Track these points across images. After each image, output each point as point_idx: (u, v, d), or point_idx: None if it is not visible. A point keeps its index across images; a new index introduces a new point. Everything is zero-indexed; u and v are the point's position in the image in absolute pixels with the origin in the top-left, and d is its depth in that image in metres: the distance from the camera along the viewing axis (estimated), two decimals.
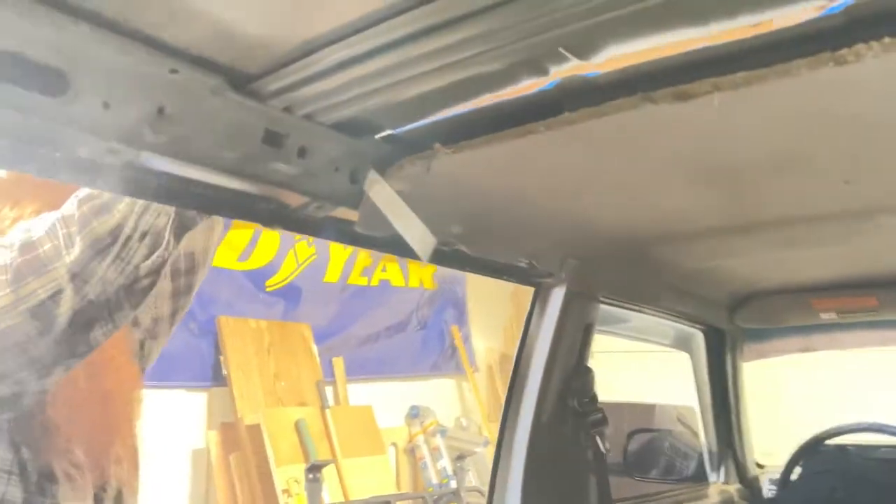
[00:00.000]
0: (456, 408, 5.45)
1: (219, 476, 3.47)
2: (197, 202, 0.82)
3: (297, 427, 3.69)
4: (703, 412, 2.28)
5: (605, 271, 1.43)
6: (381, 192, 0.94)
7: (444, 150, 0.87)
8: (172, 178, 0.78)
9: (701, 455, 2.34)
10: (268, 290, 4.12)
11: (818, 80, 0.68)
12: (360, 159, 0.91)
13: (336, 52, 0.70)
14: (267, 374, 3.85)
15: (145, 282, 0.97)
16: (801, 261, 1.66)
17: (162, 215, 0.94)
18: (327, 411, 3.97)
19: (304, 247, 4.33)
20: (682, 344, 2.15)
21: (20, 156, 0.68)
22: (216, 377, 3.75)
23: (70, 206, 0.93)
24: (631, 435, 2.20)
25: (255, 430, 3.52)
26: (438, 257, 1.15)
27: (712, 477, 2.31)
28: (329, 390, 4.27)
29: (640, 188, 1.08)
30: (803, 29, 0.62)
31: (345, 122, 0.85)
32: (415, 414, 4.97)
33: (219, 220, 1.27)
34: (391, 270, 4.99)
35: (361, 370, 4.64)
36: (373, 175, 0.93)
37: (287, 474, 3.43)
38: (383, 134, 0.90)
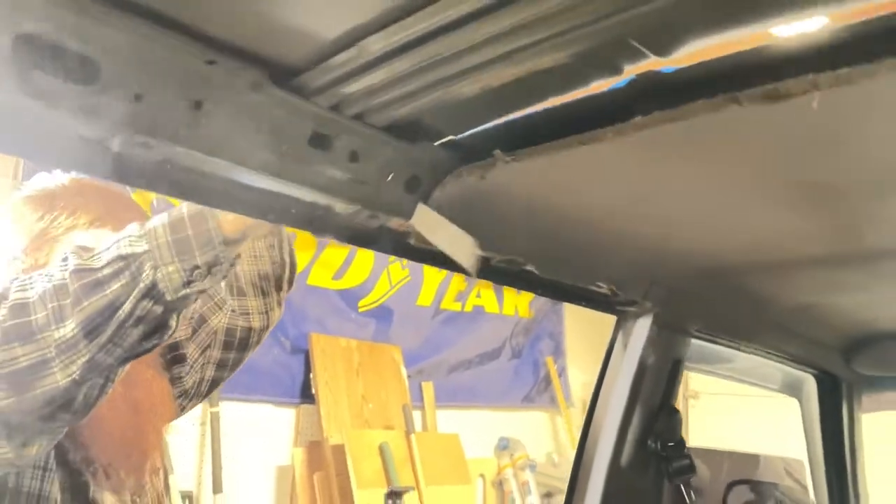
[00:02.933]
0: (548, 443, 5.27)
1: (302, 493, 3.48)
2: (237, 205, 0.78)
3: (381, 450, 3.65)
4: (813, 466, 2.06)
5: (697, 302, 1.30)
6: (431, 216, 0.87)
7: (504, 157, 0.79)
8: (210, 177, 0.74)
9: None
10: (360, 310, 4.14)
11: None
12: (416, 166, 0.85)
13: (385, 39, 0.64)
14: (355, 394, 3.85)
15: (143, 349, 0.91)
16: None
17: (158, 303, 0.87)
18: (412, 436, 3.91)
19: (398, 268, 4.33)
20: (791, 389, 1.95)
21: (49, 147, 0.66)
22: (305, 394, 3.78)
23: (60, 274, 0.86)
24: (730, 486, 2.01)
25: (339, 450, 3.51)
26: (506, 277, 1.07)
27: None
28: (417, 416, 4.22)
29: (724, 207, 0.96)
30: None
31: (399, 125, 0.79)
32: (504, 446, 4.84)
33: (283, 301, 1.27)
34: (485, 297, 4.91)
35: (451, 397, 4.56)
36: (429, 183, 0.87)
37: (368, 498, 3.39)
38: (442, 141, 0.84)
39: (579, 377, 5.55)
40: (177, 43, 0.64)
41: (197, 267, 0.86)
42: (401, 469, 3.66)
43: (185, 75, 0.66)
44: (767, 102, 0.60)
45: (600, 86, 0.72)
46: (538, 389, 5.24)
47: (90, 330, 0.83)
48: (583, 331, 5.60)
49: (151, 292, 0.85)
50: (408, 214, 0.87)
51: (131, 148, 0.67)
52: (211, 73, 0.67)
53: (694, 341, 1.37)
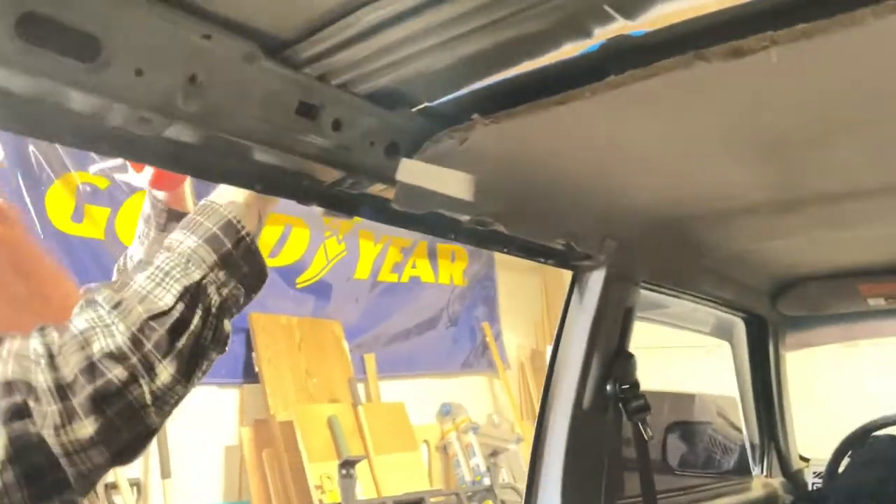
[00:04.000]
0: (488, 405, 5.41)
1: (252, 472, 3.48)
2: (228, 176, 0.80)
3: (330, 424, 3.69)
4: (744, 404, 2.23)
5: (646, 254, 1.39)
6: (417, 166, 0.91)
7: (482, 121, 0.84)
8: (203, 149, 0.76)
9: (743, 448, 2.28)
10: (298, 286, 4.13)
11: (886, 31, 0.63)
12: (396, 133, 0.88)
13: (371, 13, 0.67)
14: (299, 371, 3.86)
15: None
16: (849, 242, 1.60)
17: (229, 320, 0.85)
18: (359, 408, 3.96)
19: (334, 243, 4.33)
20: (723, 332, 2.09)
21: (51, 124, 0.66)
22: (248, 374, 3.77)
23: (121, 322, 0.80)
24: (670, 428, 2.15)
25: (287, 426, 3.53)
26: (475, 237, 1.12)
27: (755, 470, 2.25)
28: (360, 388, 4.27)
29: (684, 161, 1.04)
30: None
31: (380, 93, 0.82)
32: (446, 411, 4.95)
33: None
34: (421, 267, 4.97)
35: (393, 367, 4.63)
36: (408, 149, 0.91)
37: (320, 470, 3.43)
38: (420, 107, 0.88)
39: (514, 340, 5.71)
40: (174, 17, 0.66)
41: (245, 275, 0.87)
42: (350, 440, 3.71)
43: (182, 50, 0.68)
44: (731, 58, 0.67)
45: (572, 50, 0.77)
46: (476, 354, 5.37)
47: (185, 371, 0.81)
48: (515, 296, 5.76)
49: (223, 314, 0.85)
50: (389, 180, 0.91)
51: (132, 123, 0.68)
52: (206, 47, 0.69)
53: (642, 291, 1.46)
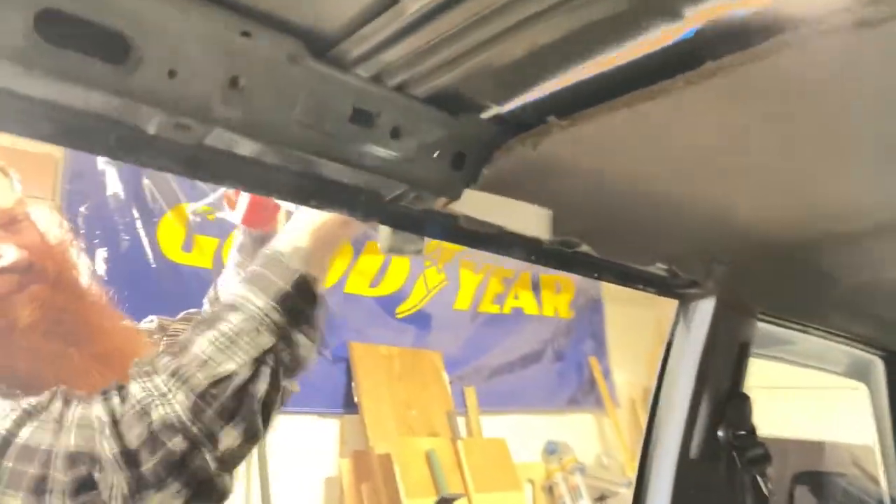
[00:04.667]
0: (596, 445, 5.16)
1: None
2: (279, 189, 0.74)
3: (428, 458, 3.60)
4: (883, 453, 1.96)
5: (763, 281, 1.23)
6: (486, 181, 0.82)
7: (558, 123, 0.74)
8: (248, 160, 0.70)
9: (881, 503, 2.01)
10: (398, 316, 4.10)
11: None
12: (462, 141, 0.80)
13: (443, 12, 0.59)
14: (398, 401, 3.80)
15: None
16: None
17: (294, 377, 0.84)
18: (459, 443, 3.85)
19: (434, 273, 4.29)
20: (858, 373, 1.85)
21: (83, 133, 0.62)
22: (348, 404, 3.75)
23: (182, 394, 0.77)
24: (797, 478, 1.92)
25: (385, 459, 3.47)
26: (558, 260, 1.01)
27: None
28: (461, 421, 4.16)
29: (805, 170, 0.89)
30: None
31: (443, 96, 0.74)
32: (552, 450, 4.75)
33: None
34: (524, 298, 4.84)
35: (494, 402, 4.49)
36: (476, 159, 0.81)
37: None
38: (489, 112, 0.79)
39: (624, 377, 5.43)
40: (209, 12, 0.60)
41: (312, 329, 0.85)
42: (449, 476, 3.60)
43: (220, 49, 0.62)
44: (862, 28, 0.53)
45: (662, 38, 0.66)
46: (583, 391, 5.14)
47: (251, 433, 0.79)
48: (625, 330, 5.49)
49: (289, 374, 0.84)
50: (455, 193, 0.82)
51: (168, 130, 0.63)
52: (246, 46, 0.63)
53: (759, 324, 1.29)
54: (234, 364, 0.77)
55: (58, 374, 0.92)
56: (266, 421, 0.81)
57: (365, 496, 3.42)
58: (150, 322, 1.20)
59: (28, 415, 0.80)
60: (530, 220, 0.76)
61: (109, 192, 3.10)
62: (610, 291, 5.47)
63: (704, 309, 1.20)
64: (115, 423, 0.76)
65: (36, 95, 0.58)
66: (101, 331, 1.02)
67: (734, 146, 0.80)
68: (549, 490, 4.64)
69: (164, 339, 1.15)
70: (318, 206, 0.79)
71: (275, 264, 0.85)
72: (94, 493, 0.75)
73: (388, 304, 4.04)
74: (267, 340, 0.80)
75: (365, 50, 0.66)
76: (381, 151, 0.75)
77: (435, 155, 0.79)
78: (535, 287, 4.91)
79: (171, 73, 0.61)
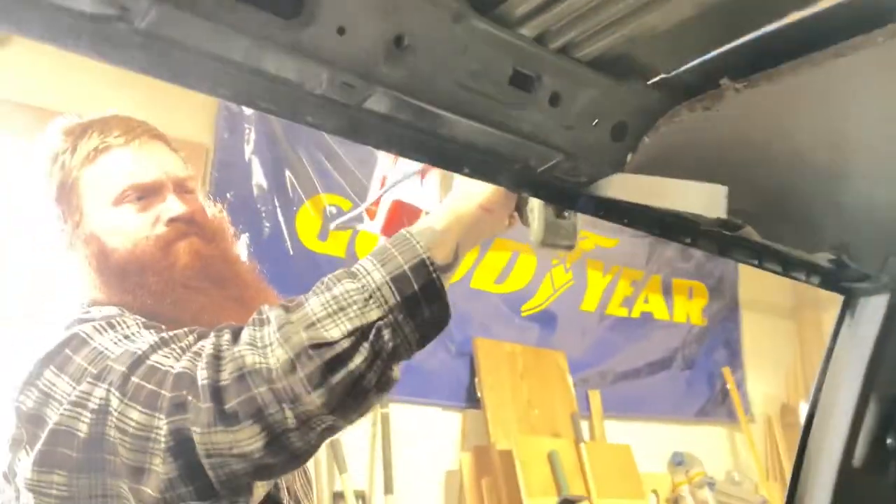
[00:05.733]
0: (726, 460, 4.90)
1: (470, 498, 3.44)
2: (435, 155, 0.73)
3: (550, 458, 3.54)
4: None
5: None
6: (646, 152, 0.78)
7: (733, 85, 0.69)
8: (404, 123, 0.70)
9: None
10: (523, 314, 4.06)
11: None
12: (624, 110, 0.76)
13: None
14: (520, 399, 3.77)
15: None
16: None
17: (398, 365, 0.82)
18: (582, 445, 3.77)
19: (561, 272, 4.22)
20: None
21: (250, 90, 0.63)
22: (470, 399, 3.76)
23: (281, 349, 0.78)
24: None
25: (507, 456, 3.45)
26: (716, 243, 0.96)
27: None
28: (584, 425, 4.07)
29: None
30: None
31: (607, 60, 0.71)
32: (679, 462, 4.55)
33: None
34: (654, 302, 4.67)
35: (619, 407, 4.36)
36: (639, 129, 0.78)
37: None
38: (655, 78, 0.75)
39: (760, 390, 5.13)
40: None
41: (425, 320, 0.81)
42: (571, 478, 3.53)
43: (387, 6, 0.62)
44: None
45: None
46: (714, 402, 4.89)
47: (336, 407, 0.78)
48: (762, 341, 5.19)
49: (393, 359, 0.81)
50: (615, 166, 0.79)
51: (334, 89, 0.64)
52: (413, 4, 0.62)
53: None
54: (339, 332, 0.77)
55: (199, 307, 1.03)
56: (356, 398, 0.79)
57: (485, 491, 3.42)
58: None
59: (164, 342, 0.88)
60: (702, 198, 0.71)
61: (254, 181, 3.27)
62: (747, 300, 5.18)
63: (876, 306, 1.09)
64: (216, 357, 0.80)
65: (209, 49, 0.59)
66: (242, 279, 1.12)
67: None
68: (675, 502, 4.45)
69: None
70: (470, 174, 0.77)
71: (403, 242, 0.84)
72: (185, 416, 0.79)
73: (514, 301, 4.02)
74: (374, 315, 0.79)
75: (530, 8, 0.64)
76: (538, 117, 0.73)
77: (594, 123, 0.76)
78: (667, 291, 4.72)
79: (341, 31, 0.61)
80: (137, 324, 0.94)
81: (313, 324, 0.78)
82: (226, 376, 0.79)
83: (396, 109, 0.68)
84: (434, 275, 0.81)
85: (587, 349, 4.32)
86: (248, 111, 3.15)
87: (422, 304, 0.80)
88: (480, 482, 3.44)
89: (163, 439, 0.79)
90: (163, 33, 0.57)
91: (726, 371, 4.94)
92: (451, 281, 0.96)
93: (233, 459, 0.78)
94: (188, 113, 3.01)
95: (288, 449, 0.80)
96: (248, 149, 3.26)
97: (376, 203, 1.24)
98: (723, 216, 0.65)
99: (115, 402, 0.82)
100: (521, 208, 0.91)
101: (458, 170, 0.77)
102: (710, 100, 0.71)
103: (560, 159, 0.78)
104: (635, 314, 4.57)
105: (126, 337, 0.90)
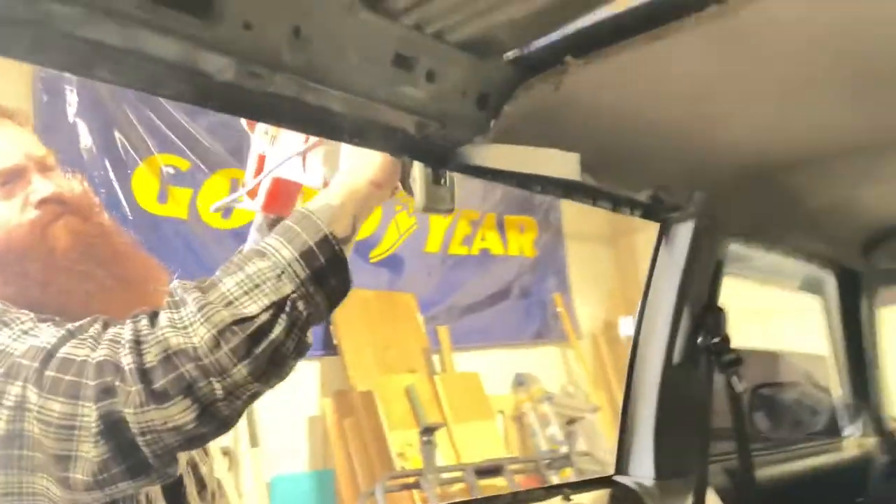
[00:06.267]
0: (561, 375, 5.41)
1: (335, 441, 3.59)
2: (323, 129, 0.83)
3: (408, 393, 3.76)
4: (835, 362, 2.16)
5: (736, 205, 1.36)
6: (507, 118, 0.92)
7: (575, 62, 0.84)
8: (301, 103, 0.78)
9: (834, 407, 2.22)
10: (372, 260, 4.20)
11: None
12: (488, 82, 0.89)
13: None
14: (376, 342, 3.94)
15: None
16: None
17: (310, 330, 0.89)
18: (436, 378, 4.02)
19: (405, 217, 4.38)
20: (813, 287, 2.03)
21: (163, 81, 0.69)
22: (327, 346, 3.87)
23: (203, 326, 0.83)
24: (756, 390, 2.10)
25: (367, 396, 3.61)
26: (561, 188, 1.12)
27: (847, 431, 2.19)
28: (435, 359, 4.32)
29: (781, 102, 1.01)
30: None
31: (472, 41, 0.82)
32: (520, 382, 4.97)
33: None
34: (490, 239, 4.98)
35: (466, 339, 4.67)
36: (500, 98, 0.91)
37: (401, 438, 3.51)
38: (511, 54, 0.88)
39: (586, 311, 5.67)
40: None
41: (333, 288, 0.89)
42: (428, 409, 3.77)
43: (285, 2, 0.69)
44: None
45: None
46: (547, 325, 5.36)
47: (261, 375, 0.84)
48: (586, 267, 5.70)
49: (307, 326, 0.87)
50: (481, 131, 0.92)
51: (242, 78, 0.71)
52: None
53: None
54: (256, 307, 0.84)
55: (86, 295, 1.02)
56: (278, 365, 0.86)
57: (348, 431, 3.57)
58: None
59: (70, 334, 0.89)
60: (558, 163, 0.85)
61: (82, 144, 3.09)
62: (570, 231, 5.65)
63: (684, 232, 1.33)
64: (137, 342, 0.84)
65: (128, 46, 0.64)
66: (125, 256, 1.11)
67: (723, 84, 0.91)
68: (519, 419, 4.88)
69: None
70: (360, 144, 0.87)
71: (305, 220, 0.90)
72: (114, 401, 0.83)
73: (362, 248, 4.13)
74: (287, 289, 0.85)
75: (410, 2, 0.74)
76: (417, 93, 0.83)
77: (463, 95, 0.88)
78: (501, 228, 5.05)
79: (246, 25, 0.68)
80: (32, 319, 0.93)
81: (231, 302, 0.84)
82: (150, 358, 0.83)
83: (297, 92, 0.76)
84: (337, 248, 0.90)
85: (434, 288, 4.55)
86: None
87: (328, 274, 0.89)
88: (343, 424, 3.59)
89: (93, 425, 0.82)
90: (86, 35, 0.61)
91: (557, 297, 5.40)
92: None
93: (167, 434, 0.83)
94: (1, 79, 2.77)
95: (217, 417, 0.85)
96: (71, 111, 3.06)
97: (258, 184, 1.28)
98: (577, 178, 0.80)
99: (33, 397, 0.84)
100: (404, 180, 1.00)
101: (351, 141, 0.86)
102: (557, 74, 0.85)
103: (436, 126, 0.89)
104: (475, 251, 4.85)
105: (25, 332, 0.91)
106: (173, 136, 3.30)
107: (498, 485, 3.65)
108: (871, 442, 2.15)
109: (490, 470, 3.46)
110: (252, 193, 1.27)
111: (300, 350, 0.89)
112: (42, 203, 1.02)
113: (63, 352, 0.87)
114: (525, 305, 5.23)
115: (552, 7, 0.77)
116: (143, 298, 1.01)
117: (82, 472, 0.84)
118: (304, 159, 1.13)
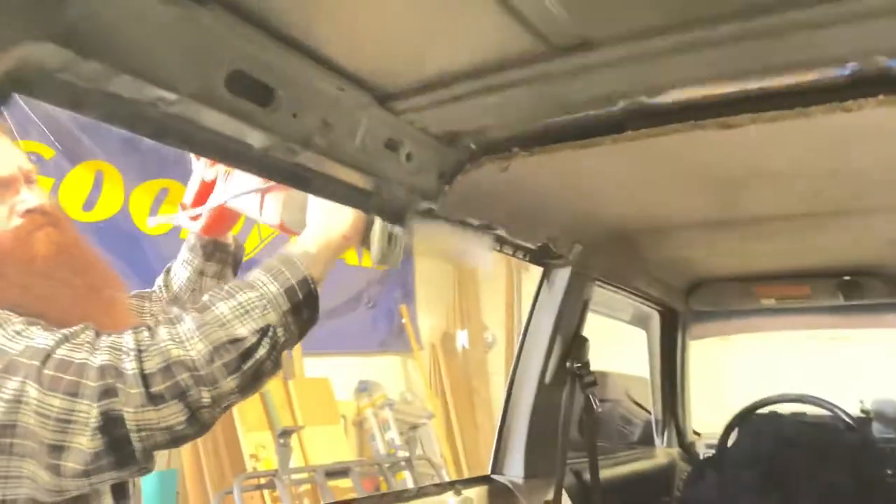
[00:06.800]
0: (401, 383, 5.67)
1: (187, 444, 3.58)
2: (335, 196, 1.02)
3: (262, 396, 3.84)
4: (653, 384, 2.59)
5: (602, 256, 1.68)
6: (458, 187, 1.16)
7: (521, 152, 1.09)
8: (324, 176, 0.97)
9: (649, 422, 2.65)
10: None
11: (825, 123, 0.92)
12: (449, 161, 1.12)
13: (465, 85, 0.91)
14: None
15: None
16: (750, 253, 1.96)
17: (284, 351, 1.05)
18: (290, 383, 4.12)
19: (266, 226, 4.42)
20: (641, 322, 2.44)
21: (225, 150, 0.86)
22: None
23: (200, 343, 0.98)
24: None
25: None
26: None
27: (657, 441, 2.63)
28: (286, 363, 4.41)
29: (649, 188, 1.33)
30: (817, 83, 0.86)
31: (444, 134, 1.06)
32: (363, 388, 5.17)
33: None
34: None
35: (316, 345, 4.78)
36: (453, 173, 1.14)
37: (254, 440, 3.58)
38: (471, 141, 1.11)
39: (427, 323, 5.98)
40: (321, 73, 0.86)
41: (305, 320, 1.07)
42: (281, 412, 3.87)
43: (324, 99, 0.89)
44: (722, 129, 0.95)
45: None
46: (393, 335, 5.60)
47: (244, 388, 1.00)
48: (430, 283, 6.03)
49: (283, 349, 1.05)
50: (436, 196, 1.15)
51: (281, 151, 0.89)
52: (339, 97, 0.90)
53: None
54: (246, 330, 1.01)
55: (67, 302, 1.12)
56: (258, 380, 1.04)
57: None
58: None
59: (65, 338, 1.00)
60: (475, 243, 1.12)
61: None
62: (418, 248, 5.91)
63: (563, 276, 1.64)
64: (139, 350, 0.98)
65: (214, 127, 0.81)
66: (93, 265, 1.21)
67: (607, 173, 1.21)
68: (360, 424, 5.07)
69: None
70: (353, 206, 1.07)
71: (288, 262, 1.09)
72: (115, 400, 0.95)
73: None
74: (272, 317, 1.03)
75: (409, 106, 0.96)
76: (396, 168, 1.05)
77: (428, 171, 1.10)
78: None
79: (294, 115, 0.87)
80: (22, 321, 1.02)
81: (224, 324, 1.01)
82: (151, 366, 0.96)
83: (317, 164, 0.95)
84: (312, 287, 1.09)
85: None
86: None
87: (303, 309, 1.07)
88: None
89: (92, 421, 0.94)
90: (177, 113, 0.78)
91: (403, 308, 5.67)
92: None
93: (159, 432, 0.97)
94: None
95: (200, 421, 1.00)
96: None
97: (200, 206, 1.38)
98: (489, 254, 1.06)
99: (32, 392, 0.95)
100: (365, 237, 1.17)
101: (347, 203, 1.06)
102: (506, 158, 1.10)
103: (404, 192, 1.11)
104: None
105: (18, 333, 1.00)
106: (39, 122, 3.17)
107: (342, 486, 3.84)
108: (676, 451, 2.61)
109: (339, 472, 3.64)
110: (195, 218, 1.39)
111: (275, 369, 1.07)
112: (28, 213, 1.10)
113: (60, 353, 0.97)
114: (374, 315, 5.44)
115: (506, 115, 1.02)
116: (109, 305, 1.15)
117: (74, 461, 0.95)
118: (262, 198, 1.27)
